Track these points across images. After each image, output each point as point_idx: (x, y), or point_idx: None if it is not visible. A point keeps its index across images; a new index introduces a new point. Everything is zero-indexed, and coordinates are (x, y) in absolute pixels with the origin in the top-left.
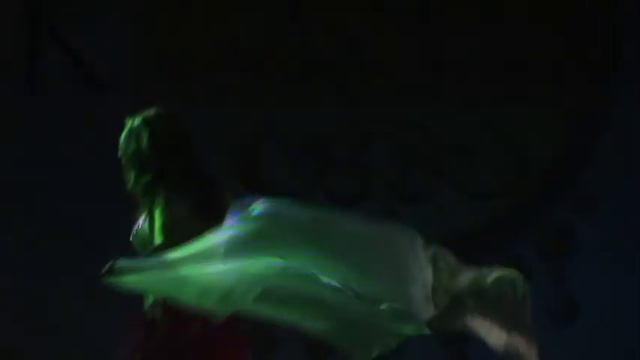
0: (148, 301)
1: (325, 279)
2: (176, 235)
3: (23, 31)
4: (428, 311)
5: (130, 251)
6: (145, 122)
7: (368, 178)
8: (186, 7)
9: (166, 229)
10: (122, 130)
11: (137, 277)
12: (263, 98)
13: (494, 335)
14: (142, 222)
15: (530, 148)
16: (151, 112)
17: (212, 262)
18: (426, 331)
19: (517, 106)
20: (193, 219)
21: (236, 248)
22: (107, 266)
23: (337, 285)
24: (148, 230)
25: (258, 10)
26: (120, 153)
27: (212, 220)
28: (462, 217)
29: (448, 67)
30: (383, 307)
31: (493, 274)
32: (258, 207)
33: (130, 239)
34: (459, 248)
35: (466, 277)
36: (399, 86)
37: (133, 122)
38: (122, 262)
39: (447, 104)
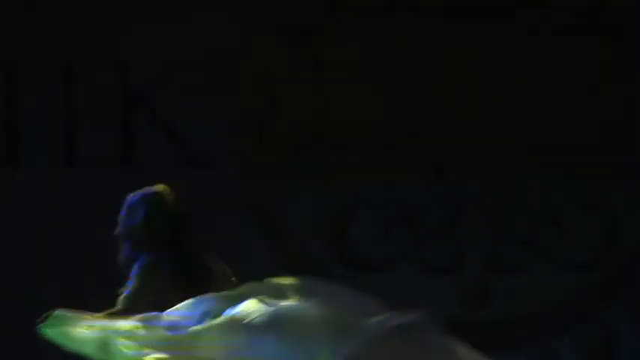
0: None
1: None
2: (139, 307)
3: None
4: None
5: None
6: (143, 200)
7: (461, 250)
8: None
9: (128, 299)
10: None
11: (61, 330)
12: (358, 172)
13: None
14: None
15: (623, 220)
16: (150, 189)
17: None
18: None
19: (611, 177)
20: (164, 294)
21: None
22: (45, 315)
23: None
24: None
25: (354, 83)
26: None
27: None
28: (554, 288)
29: (542, 139)
30: None
31: None
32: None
33: None
34: (552, 319)
35: None
36: (492, 158)
37: (132, 198)
38: (57, 313)
39: (541, 175)
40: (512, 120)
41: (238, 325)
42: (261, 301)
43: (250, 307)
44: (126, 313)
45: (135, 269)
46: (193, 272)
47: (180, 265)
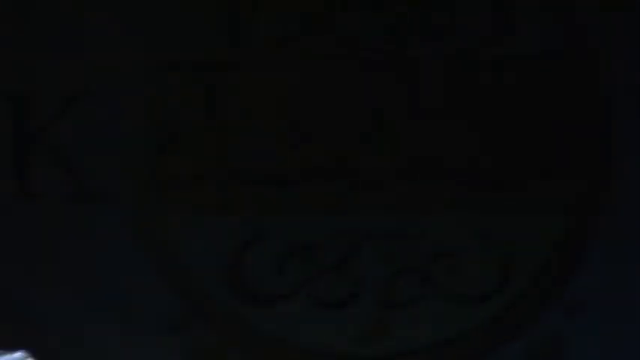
0: None
1: None
2: None
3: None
4: None
5: None
6: None
7: (355, 284)
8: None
9: None
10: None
11: None
12: (253, 205)
13: None
14: None
15: (516, 255)
16: None
17: None
18: None
19: (505, 212)
20: None
21: None
22: None
23: None
24: None
25: (251, 117)
26: None
27: None
28: (449, 323)
29: (436, 175)
30: None
31: None
32: None
33: None
34: (446, 354)
35: None
36: (385, 192)
37: None
38: None
39: (435, 209)
40: (407, 154)
41: None
42: None
43: None
44: None
45: None
46: None
47: None
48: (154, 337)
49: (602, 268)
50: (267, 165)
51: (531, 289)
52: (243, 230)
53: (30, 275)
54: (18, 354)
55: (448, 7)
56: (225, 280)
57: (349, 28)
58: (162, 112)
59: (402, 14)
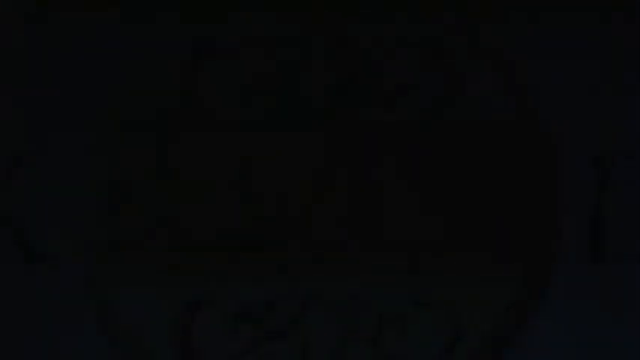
0: None
1: None
2: None
3: None
4: None
5: None
6: None
7: (305, 348)
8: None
9: None
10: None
11: None
12: (202, 268)
13: None
14: None
15: (466, 320)
16: None
17: None
18: None
19: (452, 278)
20: None
21: None
22: None
23: None
24: None
25: (201, 181)
26: None
27: None
28: None
29: (384, 240)
30: None
31: None
32: None
33: None
34: None
35: None
36: (335, 255)
37: None
38: None
39: (383, 275)
40: (355, 219)
41: None
42: None
43: None
44: None
45: None
46: None
47: None
48: None
49: (549, 333)
50: (215, 228)
51: (479, 355)
52: (191, 293)
53: None
54: None
55: (399, 69)
56: (173, 343)
57: (301, 89)
58: (112, 172)
59: (353, 74)
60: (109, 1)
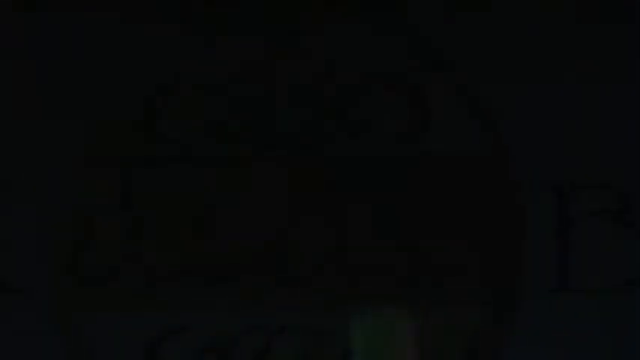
0: None
1: None
2: None
3: None
4: None
5: None
6: None
7: None
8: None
9: None
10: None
11: None
12: (171, 299)
13: None
14: None
15: (430, 349)
16: None
17: None
18: None
19: (418, 305)
20: None
21: None
22: None
23: None
24: None
25: (166, 213)
26: None
27: None
28: None
29: (351, 272)
30: None
31: None
32: None
33: None
34: None
35: None
36: (300, 289)
37: None
38: None
39: (349, 306)
40: (321, 250)
41: None
42: None
43: None
44: None
45: None
46: None
47: None
48: None
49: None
50: (182, 260)
51: None
52: (157, 326)
53: None
54: None
55: (364, 104)
56: None
57: (266, 125)
58: (78, 206)
59: (318, 111)
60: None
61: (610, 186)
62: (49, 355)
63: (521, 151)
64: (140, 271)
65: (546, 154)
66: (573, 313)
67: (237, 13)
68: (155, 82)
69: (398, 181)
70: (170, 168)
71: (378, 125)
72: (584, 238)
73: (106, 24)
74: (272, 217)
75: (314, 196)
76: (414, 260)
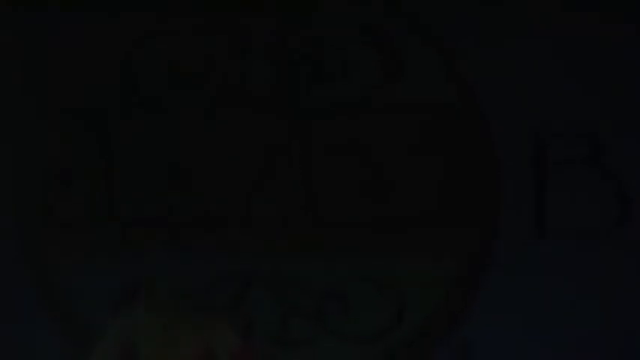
0: None
1: None
2: None
3: None
4: None
5: None
6: None
7: (246, 324)
8: None
9: None
10: None
11: None
12: (144, 248)
13: None
14: None
15: (407, 294)
16: None
17: None
18: None
19: (395, 251)
20: None
21: None
22: None
23: None
24: None
25: (143, 161)
26: None
27: None
28: None
29: (325, 215)
30: None
31: None
32: None
33: None
34: None
35: None
36: (278, 235)
37: None
38: None
39: (325, 250)
40: (296, 196)
41: None
42: None
43: None
44: None
45: None
46: None
47: None
48: None
49: (493, 309)
50: (158, 208)
51: (423, 329)
52: (133, 273)
53: None
54: None
55: (340, 55)
56: (112, 319)
57: (242, 75)
58: (56, 155)
59: (294, 62)
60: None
61: (585, 132)
62: (21, 301)
63: (498, 100)
64: (115, 216)
65: (522, 103)
66: (551, 257)
67: None
68: (131, 36)
69: (373, 127)
70: (146, 117)
71: (352, 75)
72: (559, 184)
73: None
74: (245, 166)
75: (290, 143)
76: (387, 208)
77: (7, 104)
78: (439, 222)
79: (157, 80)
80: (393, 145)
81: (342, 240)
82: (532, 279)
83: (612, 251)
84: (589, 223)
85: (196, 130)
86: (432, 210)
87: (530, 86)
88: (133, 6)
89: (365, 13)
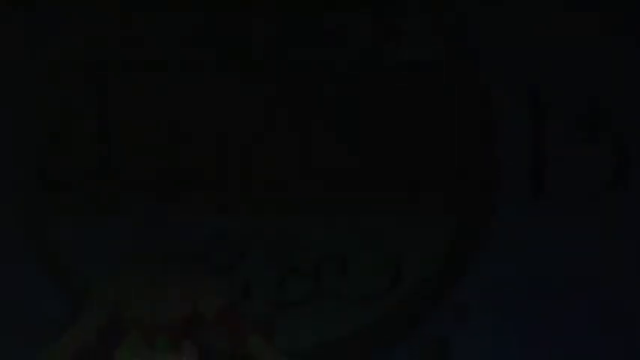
0: None
1: None
2: None
3: None
4: None
5: None
6: None
7: (245, 284)
8: None
9: None
10: None
11: None
12: (142, 208)
13: None
14: None
15: (406, 256)
16: None
17: None
18: None
19: (393, 212)
20: None
21: None
22: None
23: None
24: None
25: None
26: None
27: None
28: (338, 323)
29: (323, 176)
30: None
31: None
32: None
33: None
34: (336, 353)
35: None
36: (275, 193)
37: None
38: None
39: (324, 211)
40: (296, 156)
41: None
42: None
43: None
44: None
45: None
46: None
47: None
48: (42, 338)
49: (492, 271)
50: (155, 168)
51: (421, 290)
52: (131, 232)
53: None
54: None
55: (334, 16)
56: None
57: (233, 36)
58: (52, 112)
59: (289, 21)
60: None
61: (581, 92)
62: (19, 259)
63: (497, 60)
64: (114, 177)
65: (521, 63)
66: (548, 218)
67: None
68: None
69: (368, 87)
70: (144, 74)
71: (350, 31)
72: (556, 145)
73: None
74: (243, 123)
75: (287, 105)
76: (383, 170)
77: (6, 62)
78: (436, 183)
79: (158, 38)
80: (389, 104)
81: (340, 201)
82: (530, 238)
83: (609, 214)
84: (587, 186)
85: (195, 90)
86: (429, 171)
87: (530, 46)
88: None
89: None
